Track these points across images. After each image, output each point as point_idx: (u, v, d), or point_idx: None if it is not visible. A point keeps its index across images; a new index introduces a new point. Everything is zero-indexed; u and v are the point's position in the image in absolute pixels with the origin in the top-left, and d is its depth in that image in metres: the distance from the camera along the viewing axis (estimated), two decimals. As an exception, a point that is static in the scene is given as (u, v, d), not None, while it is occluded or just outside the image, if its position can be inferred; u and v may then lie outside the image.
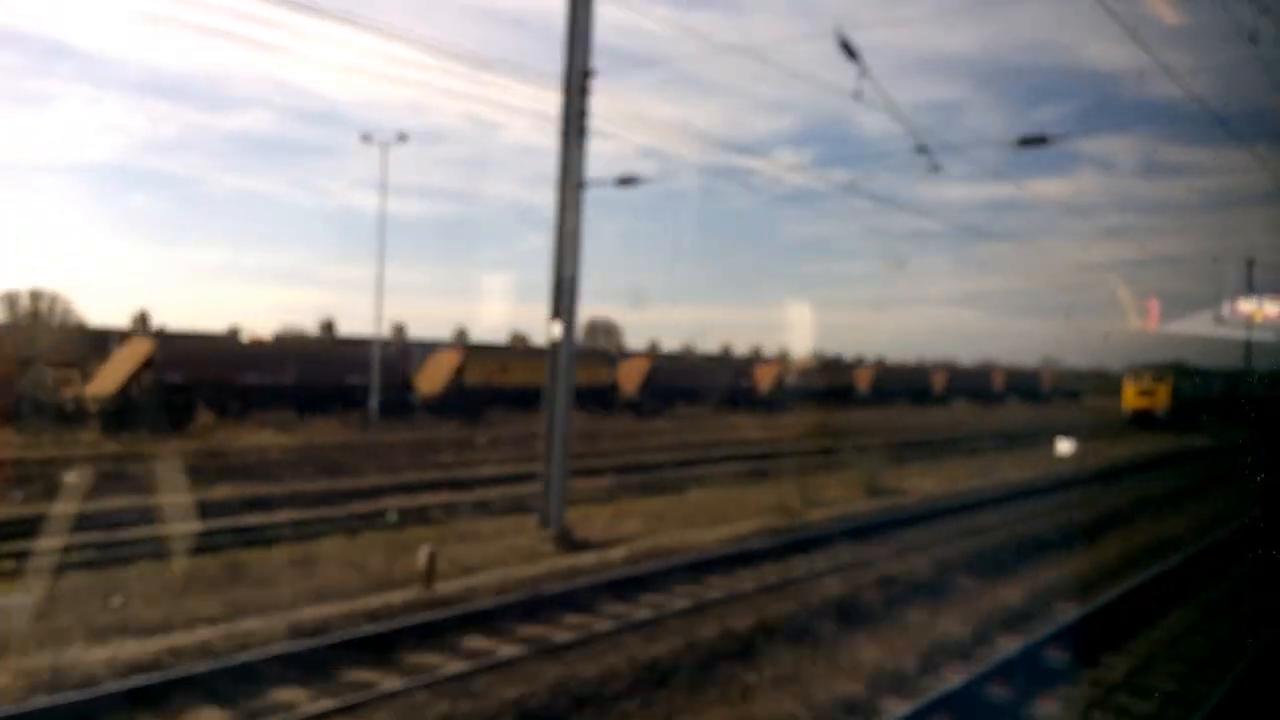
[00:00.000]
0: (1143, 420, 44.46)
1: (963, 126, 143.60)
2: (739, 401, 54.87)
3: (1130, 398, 46.37)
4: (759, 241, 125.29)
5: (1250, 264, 41.32)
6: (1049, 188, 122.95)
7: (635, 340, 70.13)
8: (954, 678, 8.06)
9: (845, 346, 78.92)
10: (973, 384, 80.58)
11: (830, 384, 66.34)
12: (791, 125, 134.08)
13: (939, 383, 76.48)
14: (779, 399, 57.95)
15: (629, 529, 14.01)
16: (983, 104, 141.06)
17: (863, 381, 67.67)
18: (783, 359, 64.11)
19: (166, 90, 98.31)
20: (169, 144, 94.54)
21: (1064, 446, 29.32)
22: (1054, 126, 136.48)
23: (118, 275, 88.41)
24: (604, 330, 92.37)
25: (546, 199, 13.75)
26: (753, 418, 47.70)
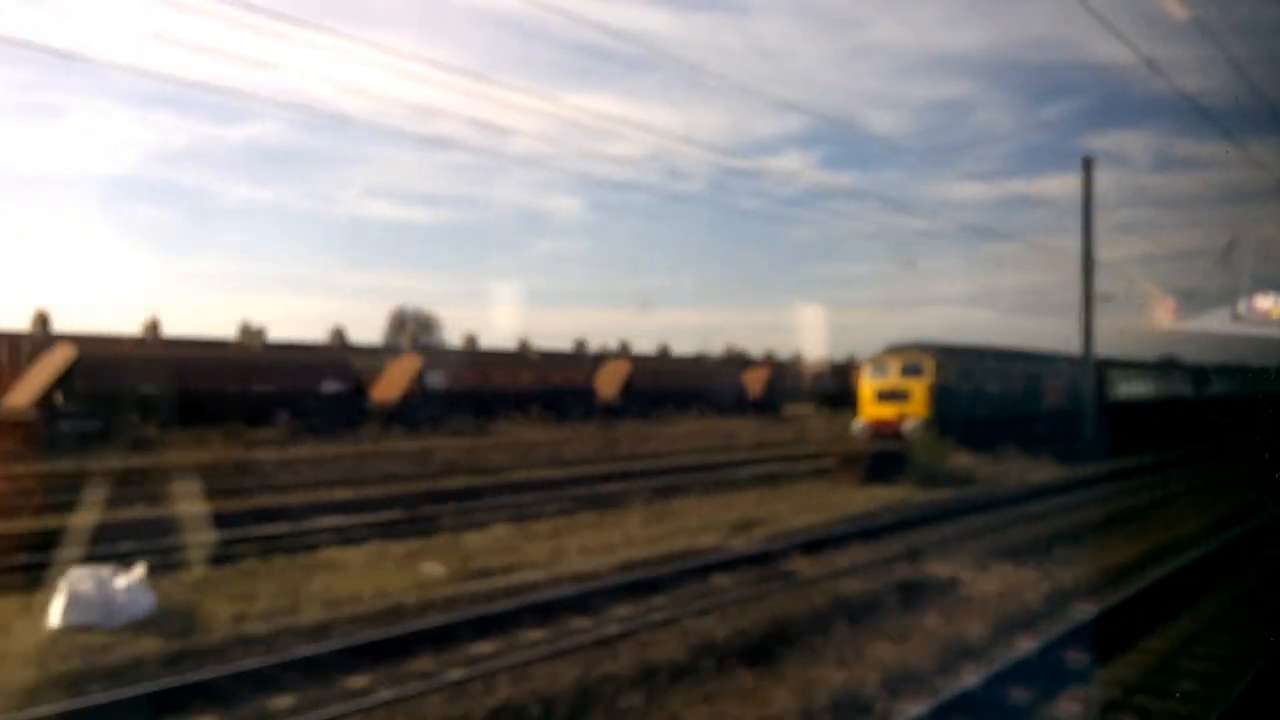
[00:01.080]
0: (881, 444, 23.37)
1: (970, 125, 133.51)
2: (340, 418, 34.09)
3: (867, 405, 25.39)
4: (766, 244, 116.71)
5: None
6: (1059, 184, 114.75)
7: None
8: None
9: (853, 347, 64.34)
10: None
11: (558, 383, 45.95)
12: (799, 126, 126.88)
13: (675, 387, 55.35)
14: (412, 412, 37.12)
15: None
16: (991, 102, 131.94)
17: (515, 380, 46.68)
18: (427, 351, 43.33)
19: (175, 102, 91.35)
20: (179, 155, 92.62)
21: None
22: (1063, 123, 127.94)
23: (129, 286, 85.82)
24: (415, 321, 73.04)
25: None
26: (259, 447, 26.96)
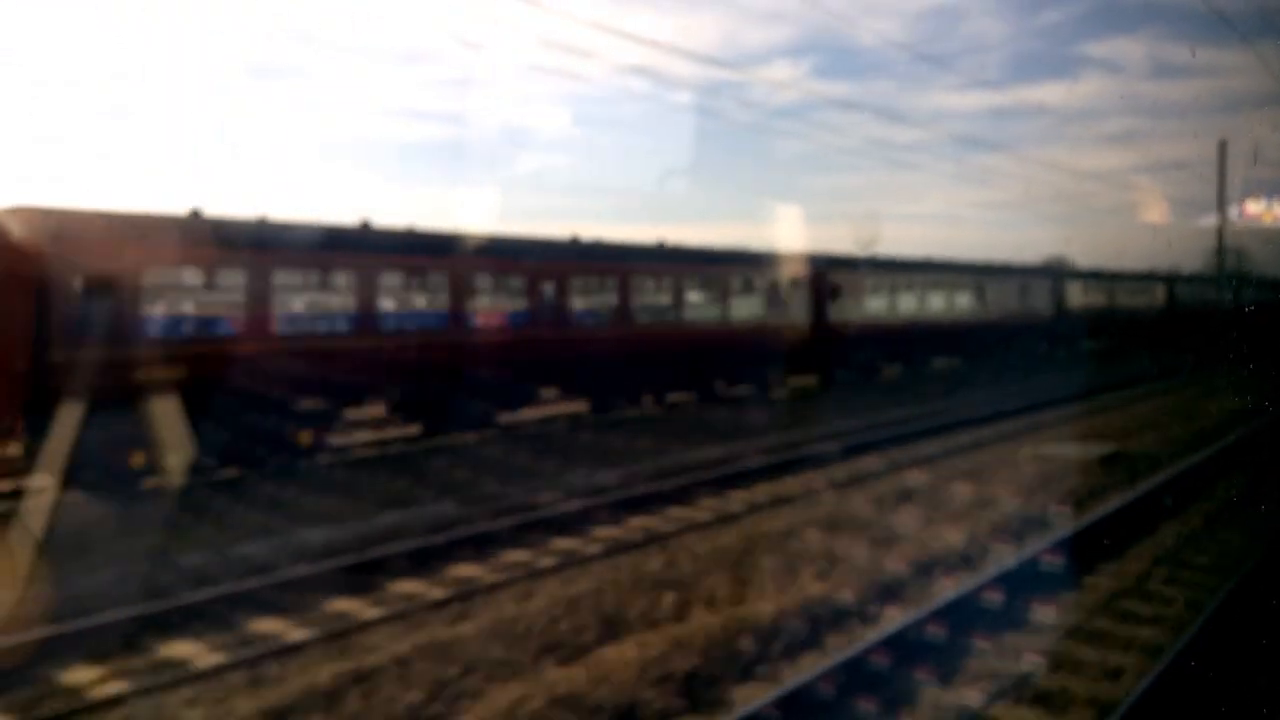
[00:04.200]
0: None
1: (963, 33, 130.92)
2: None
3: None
4: (755, 157, 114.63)
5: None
6: (1053, 93, 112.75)
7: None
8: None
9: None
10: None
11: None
12: (789, 36, 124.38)
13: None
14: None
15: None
16: (984, 7, 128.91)
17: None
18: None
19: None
20: (144, 73, 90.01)
21: None
22: (1058, 30, 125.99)
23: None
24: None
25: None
26: None
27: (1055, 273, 39.33)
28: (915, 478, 12.99)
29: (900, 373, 29.73)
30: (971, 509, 11.14)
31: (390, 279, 16.00)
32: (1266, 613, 7.33)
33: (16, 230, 12.21)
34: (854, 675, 6.21)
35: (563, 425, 18.99)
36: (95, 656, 7.30)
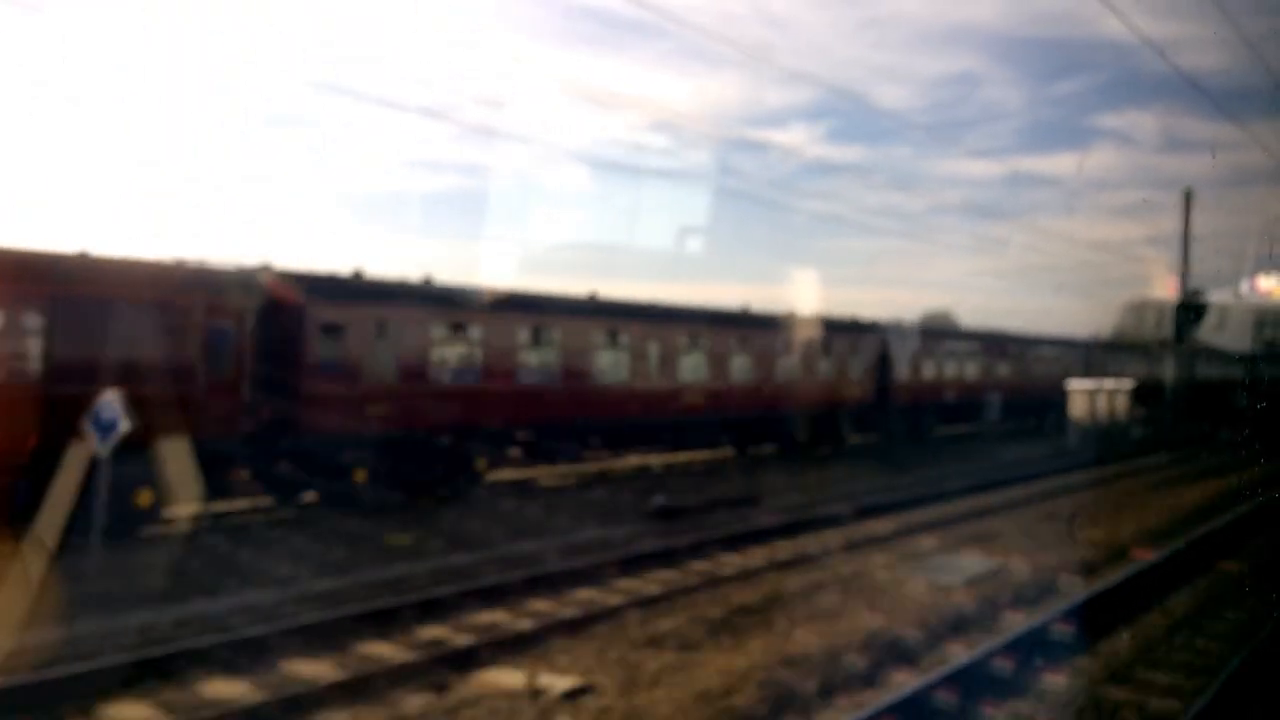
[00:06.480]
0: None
1: (979, 100, 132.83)
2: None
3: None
4: (772, 217, 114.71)
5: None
6: (1068, 163, 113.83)
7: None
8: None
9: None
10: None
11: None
12: (806, 99, 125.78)
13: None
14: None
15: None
16: (1001, 77, 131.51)
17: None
18: None
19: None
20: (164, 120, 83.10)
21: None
22: (1073, 101, 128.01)
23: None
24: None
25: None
26: None
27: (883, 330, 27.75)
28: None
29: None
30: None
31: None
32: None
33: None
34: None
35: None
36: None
